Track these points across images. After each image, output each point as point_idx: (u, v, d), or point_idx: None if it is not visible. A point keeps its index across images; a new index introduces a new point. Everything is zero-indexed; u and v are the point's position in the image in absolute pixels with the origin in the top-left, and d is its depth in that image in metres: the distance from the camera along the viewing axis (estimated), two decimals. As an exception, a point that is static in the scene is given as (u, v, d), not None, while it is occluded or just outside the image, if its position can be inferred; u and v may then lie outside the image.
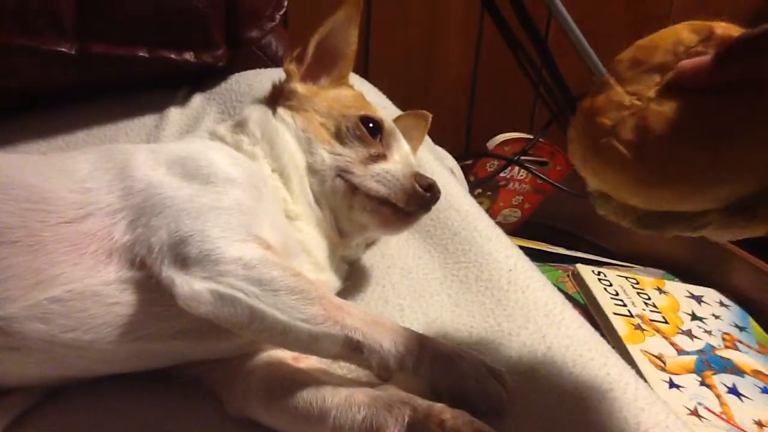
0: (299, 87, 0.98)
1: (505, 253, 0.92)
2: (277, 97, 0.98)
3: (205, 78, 1.24)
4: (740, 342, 1.35)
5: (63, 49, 1.09)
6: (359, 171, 0.89)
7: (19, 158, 0.89)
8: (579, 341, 0.79)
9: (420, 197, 0.87)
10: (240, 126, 0.96)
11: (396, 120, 1.08)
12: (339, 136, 0.92)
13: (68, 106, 1.19)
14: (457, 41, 2.12)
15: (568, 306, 0.86)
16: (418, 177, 0.88)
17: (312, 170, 0.91)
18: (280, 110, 0.96)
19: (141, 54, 1.13)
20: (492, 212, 1.95)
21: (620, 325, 1.29)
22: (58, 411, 0.77)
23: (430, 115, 1.11)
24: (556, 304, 0.85)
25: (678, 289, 1.50)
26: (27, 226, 0.74)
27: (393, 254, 0.98)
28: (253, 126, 0.95)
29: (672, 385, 1.16)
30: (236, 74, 1.23)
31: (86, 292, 0.72)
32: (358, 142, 0.92)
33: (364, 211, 0.89)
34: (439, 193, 0.89)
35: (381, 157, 0.91)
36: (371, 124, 0.93)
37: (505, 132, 1.93)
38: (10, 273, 0.72)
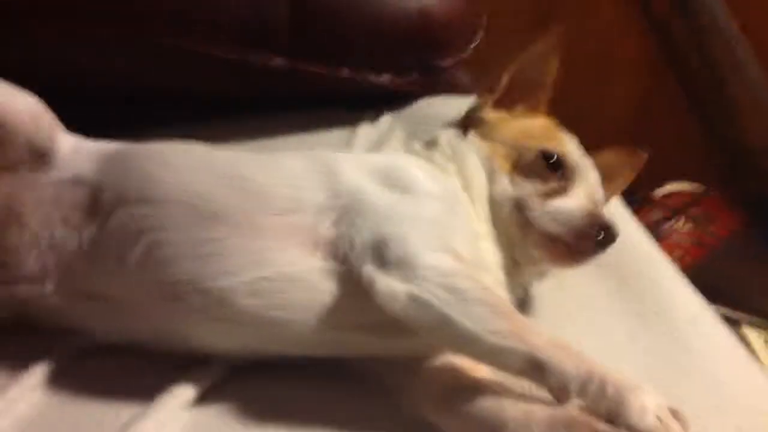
0: (490, 115, 1.01)
1: (688, 298, 0.91)
2: (468, 123, 1.03)
3: (395, 101, 1.32)
4: None
5: (277, 63, 1.21)
6: (535, 206, 0.90)
7: (241, 155, 1.00)
8: (763, 394, 0.77)
9: (593, 238, 0.86)
10: (432, 144, 1.01)
11: (606, 153, 1.08)
12: (519, 168, 0.94)
13: (271, 114, 1.29)
14: (626, 84, 2.09)
15: (753, 359, 0.83)
16: (594, 217, 0.87)
17: (492, 199, 0.94)
18: (470, 135, 1.00)
19: (344, 74, 1.22)
20: (650, 263, 1.89)
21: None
22: (249, 384, 0.84)
23: (645, 156, 1.08)
24: (740, 354, 0.83)
25: None
26: (246, 212, 0.83)
27: (568, 284, 0.98)
28: (444, 145, 0.99)
29: None
30: (424, 99, 1.30)
31: (294, 275, 0.80)
32: (537, 176, 0.93)
33: (537, 246, 0.90)
34: (616, 235, 0.88)
35: (560, 191, 0.92)
36: (553, 158, 0.94)
37: (670, 180, 1.88)
38: (230, 251, 0.81)
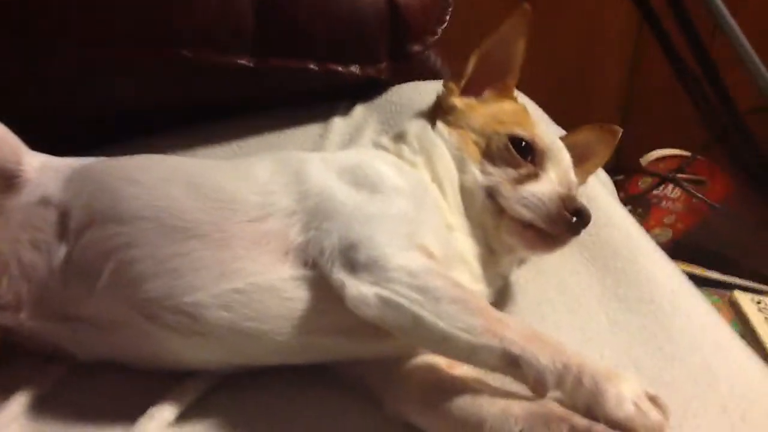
0: (457, 102, 0.99)
1: (668, 274, 0.90)
2: (436, 111, 1.01)
3: (366, 90, 1.30)
4: None
5: (243, 62, 1.19)
6: (507, 192, 0.89)
7: (209, 163, 0.98)
8: (748, 374, 0.76)
9: (566, 222, 0.85)
10: (400, 137, 1.00)
11: (581, 132, 1.06)
12: (489, 155, 0.93)
13: (241, 116, 1.28)
14: (613, 53, 2.06)
15: (736, 336, 0.83)
16: (566, 200, 0.86)
17: (463, 188, 0.93)
18: (439, 124, 0.98)
19: (311, 67, 1.20)
20: (641, 231, 1.88)
21: (782, 359, 1.21)
22: (229, 399, 0.84)
23: (620, 131, 1.06)
24: (724, 332, 0.82)
25: None
26: (216, 222, 0.82)
27: (548, 270, 0.97)
28: (412, 138, 0.98)
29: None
30: (396, 87, 1.28)
31: (265, 285, 0.79)
32: (507, 162, 0.91)
33: (510, 233, 0.89)
34: (589, 218, 0.86)
35: (532, 176, 0.90)
36: (523, 143, 0.92)
37: (659, 148, 1.86)
38: (199, 264, 0.80)
